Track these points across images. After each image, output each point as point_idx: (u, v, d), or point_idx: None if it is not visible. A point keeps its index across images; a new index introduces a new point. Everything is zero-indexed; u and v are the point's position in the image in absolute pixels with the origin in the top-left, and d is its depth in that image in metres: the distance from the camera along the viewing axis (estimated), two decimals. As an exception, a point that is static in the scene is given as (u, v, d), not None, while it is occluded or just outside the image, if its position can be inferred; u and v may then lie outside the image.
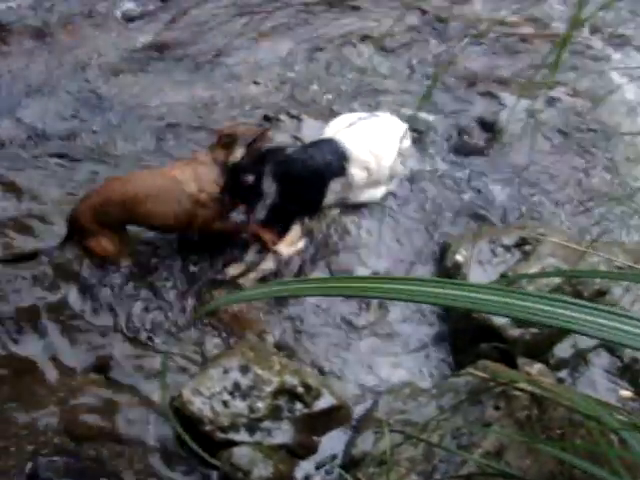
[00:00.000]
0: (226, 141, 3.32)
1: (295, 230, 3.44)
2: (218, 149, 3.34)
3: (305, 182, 3.42)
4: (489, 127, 4.25)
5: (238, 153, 3.28)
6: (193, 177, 3.30)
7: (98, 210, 3.25)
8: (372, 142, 3.62)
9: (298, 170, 3.40)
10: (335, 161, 3.49)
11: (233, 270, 3.38)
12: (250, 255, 3.42)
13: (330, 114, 4.14)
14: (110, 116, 4.28)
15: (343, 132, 3.64)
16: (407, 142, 3.76)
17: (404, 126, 3.77)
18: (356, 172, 3.54)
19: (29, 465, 2.66)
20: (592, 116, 4.32)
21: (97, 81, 4.52)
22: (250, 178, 3.28)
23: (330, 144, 3.57)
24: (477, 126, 4.28)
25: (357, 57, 4.76)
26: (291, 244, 3.42)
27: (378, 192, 3.69)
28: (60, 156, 4.02)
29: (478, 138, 4.23)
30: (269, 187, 3.31)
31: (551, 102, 4.44)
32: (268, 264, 3.38)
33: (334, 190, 3.52)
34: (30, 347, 3.11)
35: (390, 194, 3.75)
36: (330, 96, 4.45)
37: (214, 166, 3.32)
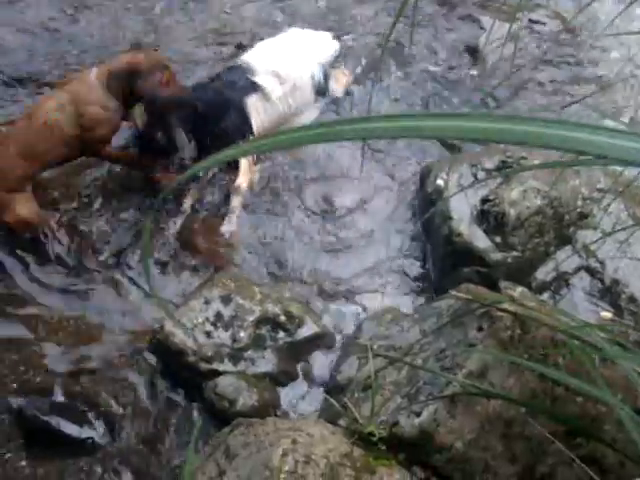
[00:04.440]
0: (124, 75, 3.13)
1: (243, 162, 3.33)
2: (109, 74, 3.14)
3: (220, 111, 3.29)
4: (471, 51, 4.17)
5: (138, 113, 3.13)
6: (70, 100, 3.11)
7: None
8: (277, 52, 3.54)
9: (206, 103, 3.26)
10: (239, 78, 3.38)
11: (188, 201, 3.33)
12: (218, 198, 3.37)
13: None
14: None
15: (247, 53, 3.59)
16: (331, 52, 3.70)
17: (325, 37, 3.73)
18: (266, 81, 3.41)
19: (14, 403, 2.66)
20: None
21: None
22: (159, 135, 3.16)
23: (231, 66, 3.50)
24: (458, 51, 4.19)
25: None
26: (246, 174, 3.33)
27: (314, 112, 3.61)
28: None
29: (459, 63, 4.15)
30: (184, 133, 3.19)
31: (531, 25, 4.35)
32: (236, 201, 3.30)
33: (257, 109, 3.39)
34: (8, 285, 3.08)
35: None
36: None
37: (98, 87, 3.13)
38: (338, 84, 3.70)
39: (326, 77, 3.62)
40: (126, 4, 4.40)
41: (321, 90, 3.61)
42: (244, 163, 3.33)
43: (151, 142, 3.20)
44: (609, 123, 2.83)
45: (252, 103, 3.38)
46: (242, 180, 3.32)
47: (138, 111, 3.16)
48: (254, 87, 3.39)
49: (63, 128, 3.11)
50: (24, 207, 3.10)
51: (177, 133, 3.17)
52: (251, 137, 3.33)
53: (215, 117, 3.27)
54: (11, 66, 3.93)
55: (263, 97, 3.41)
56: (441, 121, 0.81)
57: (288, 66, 3.50)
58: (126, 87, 3.14)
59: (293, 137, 0.99)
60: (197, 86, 3.38)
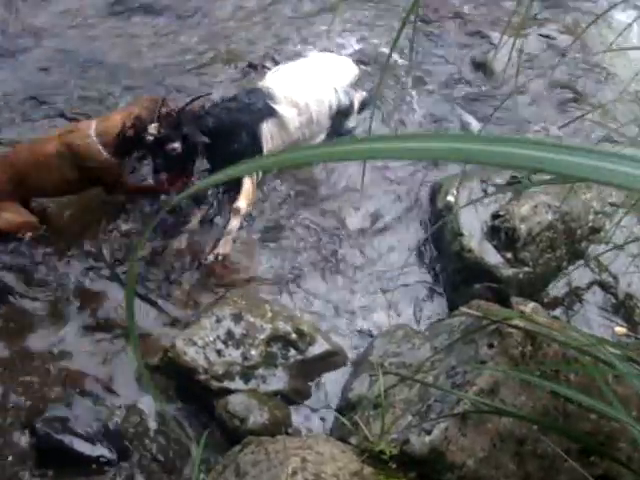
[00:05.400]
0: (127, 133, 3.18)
1: (246, 183, 3.30)
2: (116, 138, 3.19)
3: (232, 132, 3.27)
4: (480, 67, 4.18)
5: (152, 129, 3.13)
6: (69, 152, 3.20)
7: None
8: (298, 79, 3.51)
9: (220, 122, 3.25)
10: (258, 102, 3.35)
11: (195, 219, 3.34)
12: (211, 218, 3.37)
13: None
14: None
15: (269, 77, 3.56)
16: (350, 77, 3.66)
17: (347, 63, 3.70)
18: (284, 109, 3.39)
19: (27, 423, 2.67)
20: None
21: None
22: (177, 145, 3.13)
23: (251, 89, 3.47)
24: (468, 66, 4.21)
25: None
26: (247, 198, 3.30)
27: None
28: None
29: (469, 78, 4.16)
30: (200, 146, 3.18)
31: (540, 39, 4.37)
32: (234, 223, 3.27)
33: (272, 135, 3.38)
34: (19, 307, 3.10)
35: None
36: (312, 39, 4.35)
37: (97, 144, 3.19)
38: (357, 103, 3.65)
39: (350, 102, 3.59)
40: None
41: (342, 112, 3.58)
42: (247, 185, 3.30)
43: (167, 157, 3.17)
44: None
45: (267, 128, 3.36)
46: (242, 203, 3.28)
47: (151, 129, 3.17)
48: (272, 113, 3.37)
49: (64, 172, 3.22)
50: (7, 213, 3.23)
51: (196, 135, 3.16)
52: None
53: (227, 138, 3.26)
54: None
55: (279, 124, 3.39)
56: (443, 142, 0.80)
57: (308, 96, 3.46)
58: (135, 141, 3.19)
59: (297, 156, 0.99)
60: (212, 106, 3.35)
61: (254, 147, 3.30)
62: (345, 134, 3.60)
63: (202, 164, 3.33)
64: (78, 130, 3.26)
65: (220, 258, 3.22)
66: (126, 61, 4.20)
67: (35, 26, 4.42)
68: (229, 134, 3.26)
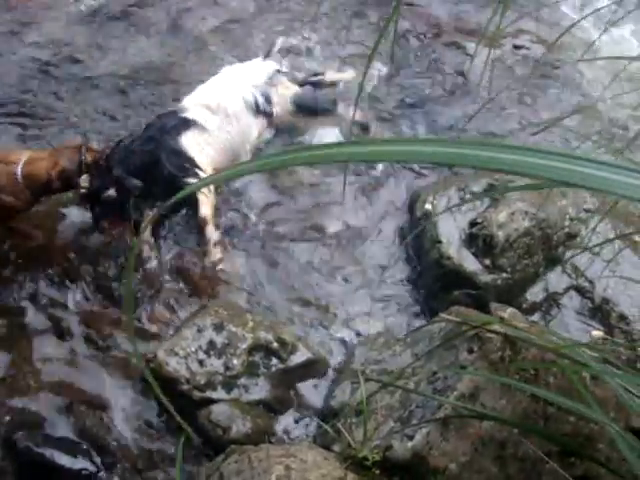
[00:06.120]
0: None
1: (200, 195, 3.28)
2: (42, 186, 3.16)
3: (158, 156, 3.29)
4: (455, 76, 4.23)
5: (84, 182, 3.11)
6: None
7: None
8: (207, 89, 3.58)
9: (144, 152, 3.28)
10: (170, 120, 3.39)
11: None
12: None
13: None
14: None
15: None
16: (265, 73, 3.70)
17: (257, 61, 3.82)
18: (195, 114, 3.42)
19: (8, 436, 2.65)
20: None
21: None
22: (112, 192, 3.15)
23: (163, 113, 3.52)
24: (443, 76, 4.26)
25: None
26: (207, 205, 3.29)
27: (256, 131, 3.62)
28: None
29: (445, 88, 4.21)
30: (133, 183, 3.18)
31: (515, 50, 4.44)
32: (208, 230, 3.27)
33: (198, 143, 3.39)
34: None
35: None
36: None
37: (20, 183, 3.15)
38: (282, 98, 3.69)
39: (266, 96, 3.63)
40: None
41: (262, 109, 3.62)
42: (201, 196, 3.29)
43: (104, 204, 3.19)
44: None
45: (188, 139, 3.38)
46: (205, 210, 3.29)
47: (83, 182, 3.14)
48: (185, 122, 3.40)
49: None
50: None
51: (126, 180, 3.17)
52: (200, 172, 3.33)
53: (155, 166, 3.28)
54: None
55: (198, 130, 3.41)
56: (412, 146, 0.83)
57: (218, 96, 3.52)
58: (59, 188, 3.17)
59: (276, 161, 1.01)
60: (131, 142, 3.34)
61: (184, 162, 3.34)
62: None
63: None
64: (5, 164, 3.20)
65: (220, 267, 3.23)
66: None
67: None
68: (155, 162, 3.29)
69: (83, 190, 3.13)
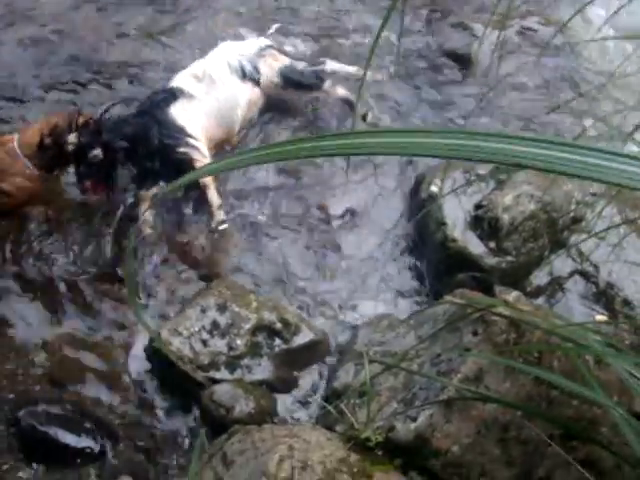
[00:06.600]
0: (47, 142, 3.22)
1: (198, 166, 3.27)
2: (37, 149, 3.23)
3: (149, 127, 3.35)
4: (462, 59, 4.20)
5: (72, 138, 3.19)
6: None
7: None
8: (198, 62, 3.63)
9: (136, 123, 3.35)
10: (159, 94, 3.47)
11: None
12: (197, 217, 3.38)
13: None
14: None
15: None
16: (256, 45, 3.73)
17: (249, 38, 3.88)
18: (181, 82, 3.49)
19: (11, 414, 2.66)
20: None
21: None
22: (97, 152, 3.21)
23: (155, 90, 3.59)
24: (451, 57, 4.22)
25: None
26: (213, 184, 3.34)
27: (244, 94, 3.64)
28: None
29: (452, 71, 4.18)
30: (120, 152, 3.27)
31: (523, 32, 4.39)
32: (211, 194, 3.31)
33: (186, 111, 3.43)
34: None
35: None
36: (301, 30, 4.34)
37: (21, 157, 3.24)
38: (270, 68, 3.69)
39: (254, 64, 3.64)
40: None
41: (250, 76, 3.63)
42: (197, 164, 3.31)
43: (89, 164, 3.24)
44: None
45: (178, 108, 3.43)
46: (212, 194, 3.33)
47: (71, 139, 3.21)
48: (172, 92, 3.46)
49: None
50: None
51: (114, 141, 3.25)
52: (192, 139, 3.38)
53: (146, 137, 3.34)
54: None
55: (185, 98, 3.46)
56: (419, 138, 0.82)
57: (203, 64, 3.59)
58: (56, 150, 3.22)
59: (275, 152, 0.99)
60: (119, 118, 3.40)
61: (174, 131, 3.39)
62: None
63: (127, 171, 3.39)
64: (2, 145, 3.28)
65: (223, 226, 3.27)
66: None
67: None
68: (146, 133, 3.34)
69: (70, 146, 3.20)
